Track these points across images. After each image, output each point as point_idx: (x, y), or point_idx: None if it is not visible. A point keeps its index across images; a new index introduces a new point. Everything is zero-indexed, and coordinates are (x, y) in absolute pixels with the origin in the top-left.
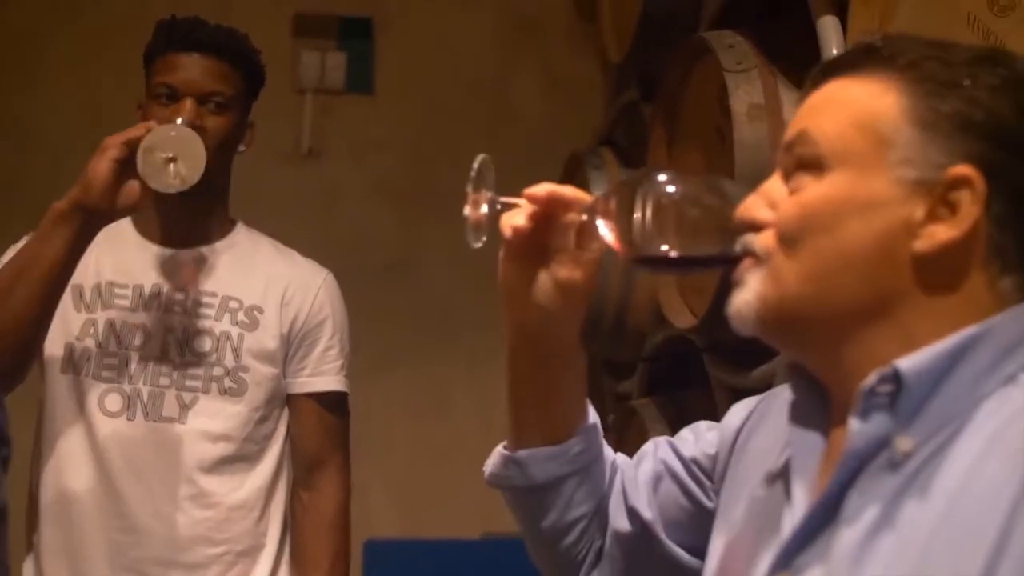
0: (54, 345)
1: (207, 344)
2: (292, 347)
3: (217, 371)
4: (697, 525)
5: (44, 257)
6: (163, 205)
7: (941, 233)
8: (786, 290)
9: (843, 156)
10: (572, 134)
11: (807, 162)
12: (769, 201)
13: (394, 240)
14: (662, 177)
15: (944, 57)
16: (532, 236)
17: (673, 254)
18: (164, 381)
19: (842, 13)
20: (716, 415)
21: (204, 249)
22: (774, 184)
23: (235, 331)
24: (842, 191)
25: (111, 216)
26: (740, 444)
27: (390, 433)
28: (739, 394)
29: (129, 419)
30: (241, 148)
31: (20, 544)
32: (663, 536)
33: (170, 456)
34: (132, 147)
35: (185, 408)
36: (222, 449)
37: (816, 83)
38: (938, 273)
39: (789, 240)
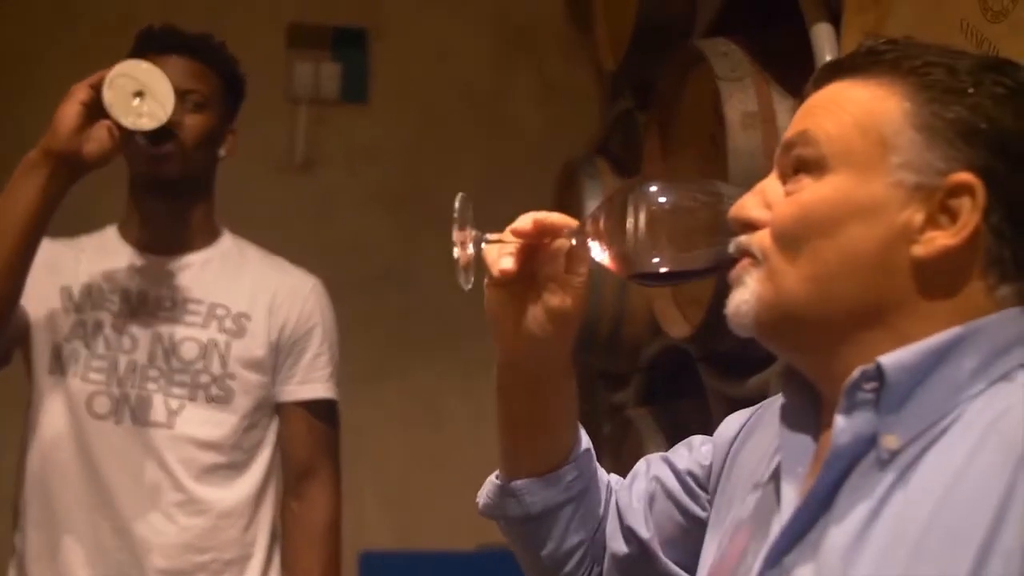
0: (42, 345)
1: (194, 351)
2: (281, 355)
3: (204, 379)
4: (693, 541)
5: (16, 206)
6: (147, 210)
7: (941, 239)
8: (785, 292)
9: (844, 157)
10: (567, 143)
11: (807, 162)
12: (764, 201)
13: (388, 250)
14: (652, 188)
15: (949, 64)
16: (520, 270)
17: (668, 268)
18: (152, 386)
19: (836, 21)
20: (712, 425)
21: (190, 256)
22: (770, 184)
23: (222, 339)
24: (842, 193)
25: (81, 162)
26: (733, 453)
27: (384, 443)
28: (734, 403)
29: (117, 422)
30: (222, 153)
31: (6, 546)
32: (661, 555)
33: (157, 461)
34: (99, 89)
35: (173, 414)
36: (210, 457)
37: (818, 84)
38: (936, 278)
39: (786, 241)
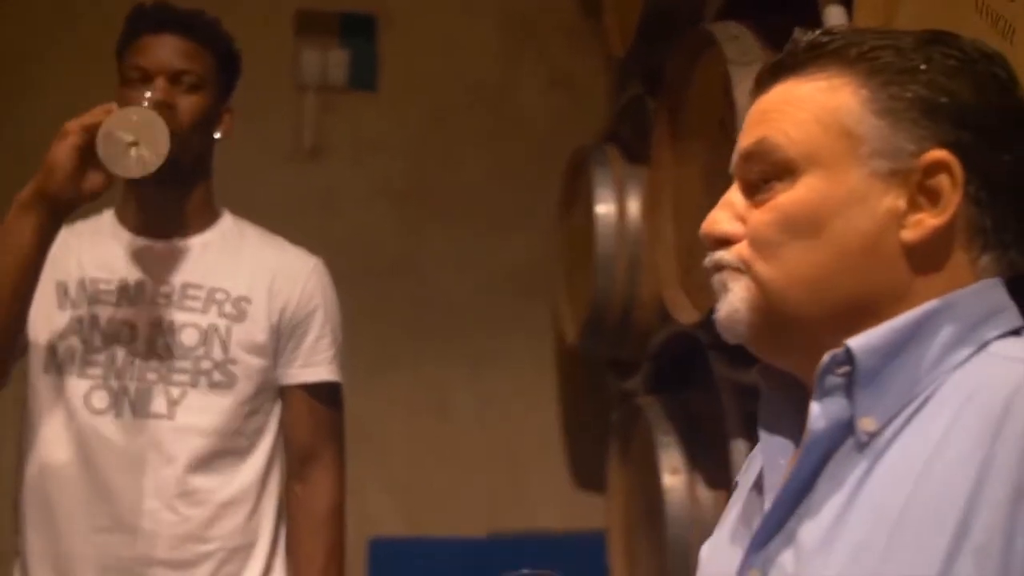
0: (38, 344)
1: (194, 337)
2: (282, 338)
3: (205, 364)
4: None
5: (12, 248)
6: (143, 195)
7: (928, 220)
8: (776, 295)
9: (812, 157)
10: (577, 131)
11: (775, 168)
12: (735, 213)
13: (395, 240)
14: None
15: (894, 45)
16: None
17: None
18: (152, 376)
19: (848, 2)
20: (721, 412)
21: (189, 240)
22: (735, 196)
23: (223, 323)
24: (818, 193)
25: (77, 202)
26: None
27: (392, 433)
28: (744, 391)
29: (116, 416)
30: (218, 134)
31: (10, 548)
32: None
33: (158, 453)
34: (92, 132)
35: (173, 404)
36: (211, 444)
37: (763, 87)
38: (925, 258)
39: (770, 248)
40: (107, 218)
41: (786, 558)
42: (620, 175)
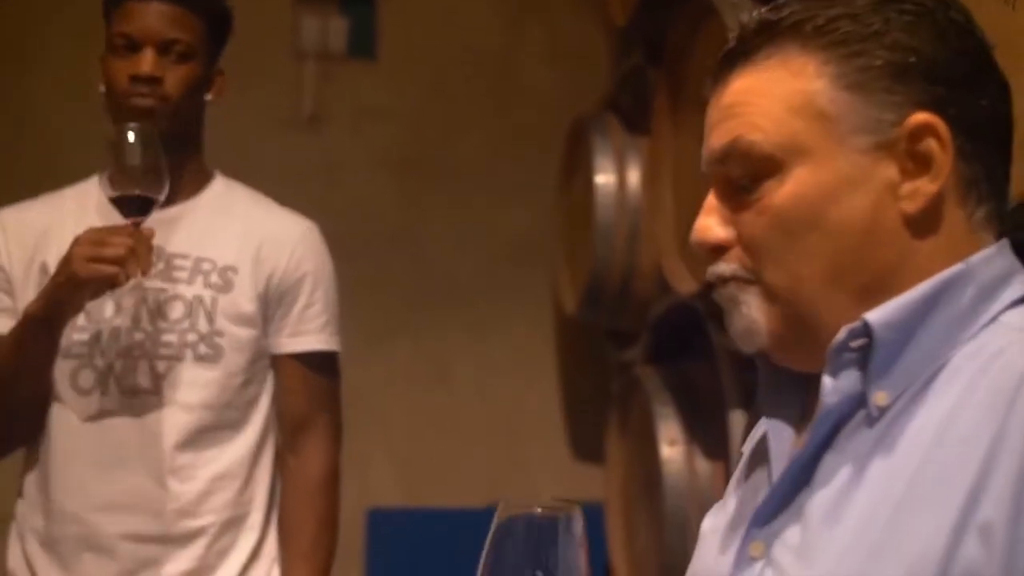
0: None
1: (179, 310)
2: (271, 306)
3: (191, 337)
4: None
5: (24, 369)
6: None
7: (924, 187)
8: (791, 301)
9: (793, 148)
10: (579, 100)
11: (757, 167)
12: (722, 217)
13: (395, 210)
14: None
15: (848, 12)
16: None
17: None
18: (137, 352)
19: None
20: (720, 382)
21: (177, 207)
22: (718, 198)
23: (208, 294)
24: (809, 185)
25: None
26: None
27: (392, 404)
28: (743, 361)
29: (103, 394)
30: (208, 97)
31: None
32: None
33: (147, 429)
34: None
35: (160, 378)
36: (201, 419)
37: (723, 80)
38: (925, 224)
39: (771, 251)
40: (91, 187)
41: (792, 532)
42: (620, 145)
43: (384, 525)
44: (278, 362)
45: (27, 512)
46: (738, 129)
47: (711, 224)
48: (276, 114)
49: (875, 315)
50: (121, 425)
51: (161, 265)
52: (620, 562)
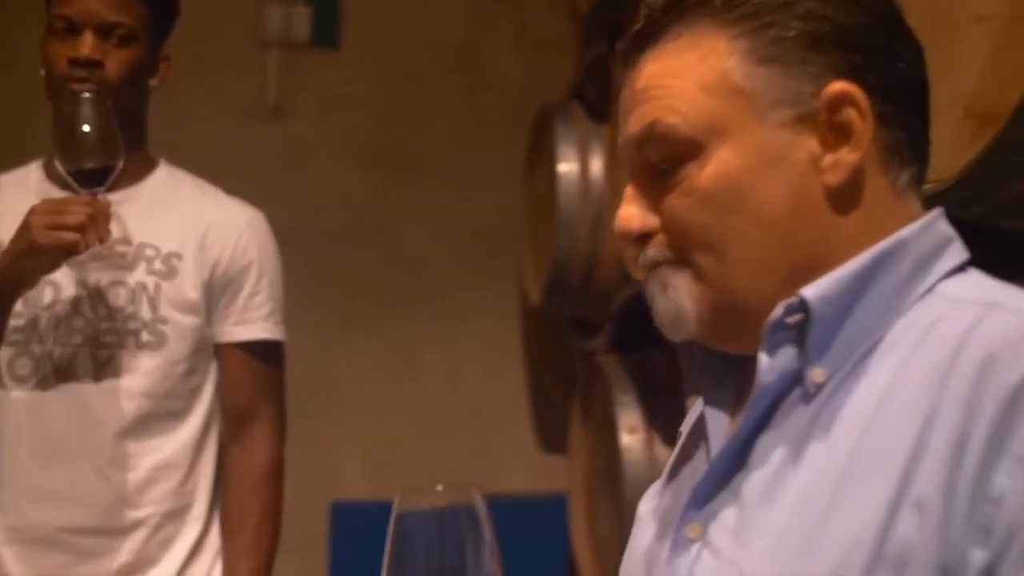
0: None
1: (122, 297)
2: (215, 294)
3: (133, 324)
4: None
5: None
6: None
7: (846, 158)
8: (722, 285)
9: (712, 128)
10: (547, 90)
11: (677, 151)
12: (644, 206)
13: (362, 200)
14: None
15: None
16: None
17: None
18: (77, 339)
19: None
20: (681, 373)
21: (119, 193)
22: (638, 185)
23: (151, 281)
24: (731, 164)
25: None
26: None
27: (359, 395)
28: (702, 352)
29: (41, 383)
30: (153, 83)
31: None
32: None
33: (87, 419)
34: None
35: (101, 366)
36: (141, 407)
37: (632, 62)
38: (849, 196)
39: (695, 233)
40: (34, 172)
41: (728, 513)
42: (584, 134)
43: (347, 517)
44: (222, 351)
45: None
46: (654, 113)
47: (634, 213)
48: (239, 104)
49: (811, 290)
50: (60, 414)
51: (103, 251)
52: (583, 551)
